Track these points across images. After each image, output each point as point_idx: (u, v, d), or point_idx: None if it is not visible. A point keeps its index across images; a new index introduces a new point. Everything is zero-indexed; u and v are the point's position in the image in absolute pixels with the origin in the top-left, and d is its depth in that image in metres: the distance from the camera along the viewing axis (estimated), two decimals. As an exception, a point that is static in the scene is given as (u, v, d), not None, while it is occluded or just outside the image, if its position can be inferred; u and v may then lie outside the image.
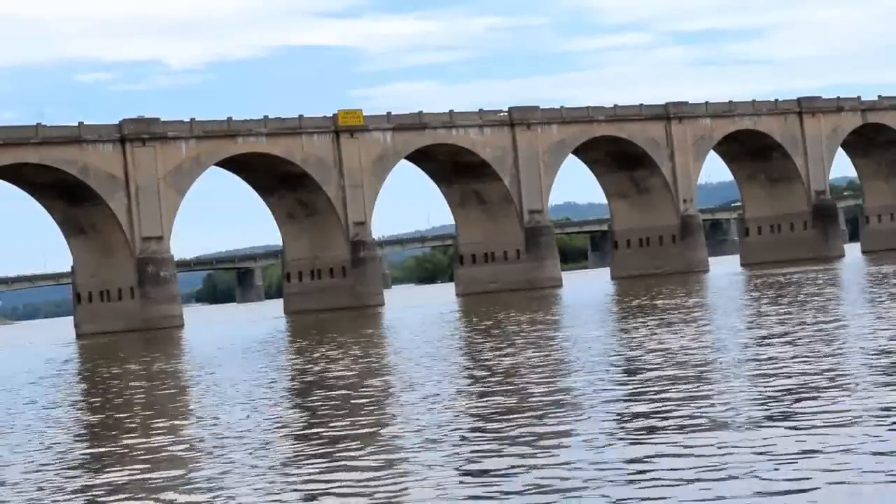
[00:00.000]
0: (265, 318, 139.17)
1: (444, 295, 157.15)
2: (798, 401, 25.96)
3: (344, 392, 38.07)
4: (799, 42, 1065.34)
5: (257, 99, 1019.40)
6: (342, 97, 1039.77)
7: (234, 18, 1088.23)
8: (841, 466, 18.55)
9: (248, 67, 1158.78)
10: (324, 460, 24.08)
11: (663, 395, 29.04)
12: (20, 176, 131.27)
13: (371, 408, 33.07)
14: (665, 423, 24.59)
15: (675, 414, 25.67)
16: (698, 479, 18.60)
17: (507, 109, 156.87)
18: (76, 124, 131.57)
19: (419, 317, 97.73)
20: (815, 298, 65.60)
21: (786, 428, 22.58)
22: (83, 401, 47.64)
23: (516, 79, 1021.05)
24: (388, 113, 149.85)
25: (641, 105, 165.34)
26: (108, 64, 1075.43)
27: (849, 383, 28.08)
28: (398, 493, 19.96)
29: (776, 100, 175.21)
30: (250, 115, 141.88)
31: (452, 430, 26.66)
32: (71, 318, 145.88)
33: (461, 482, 20.40)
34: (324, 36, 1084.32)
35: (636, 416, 26.12)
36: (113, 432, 33.66)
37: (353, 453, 24.59)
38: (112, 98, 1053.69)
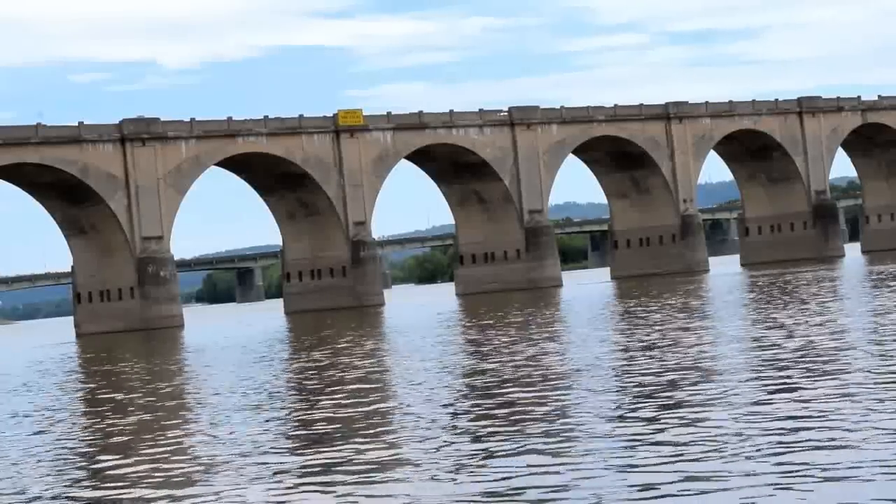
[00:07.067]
0: (265, 317, 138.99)
1: (444, 295, 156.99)
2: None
3: (341, 391, 38.05)
4: (798, 42, 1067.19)
5: (254, 99, 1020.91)
6: (339, 97, 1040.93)
7: (229, 19, 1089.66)
8: None
9: (244, 68, 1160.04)
10: (324, 464, 24.04)
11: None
12: (20, 176, 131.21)
13: (372, 408, 33.02)
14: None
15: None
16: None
17: (507, 109, 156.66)
18: (76, 124, 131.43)
19: (420, 317, 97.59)
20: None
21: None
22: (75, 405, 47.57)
23: (513, 79, 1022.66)
24: (388, 113, 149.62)
25: (641, 105, 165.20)
26: (104, 64, 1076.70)
27: None
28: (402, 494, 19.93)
29: (776, 100, 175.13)
30: (246, 116, 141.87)
31: (459, 432, 26.63)
32: (71, 318, 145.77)
33: (468, 482, 20.35)
34: (319, 36, 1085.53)
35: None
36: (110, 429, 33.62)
37: (355, 454, 24.56)
38: (108, 98, 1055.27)
